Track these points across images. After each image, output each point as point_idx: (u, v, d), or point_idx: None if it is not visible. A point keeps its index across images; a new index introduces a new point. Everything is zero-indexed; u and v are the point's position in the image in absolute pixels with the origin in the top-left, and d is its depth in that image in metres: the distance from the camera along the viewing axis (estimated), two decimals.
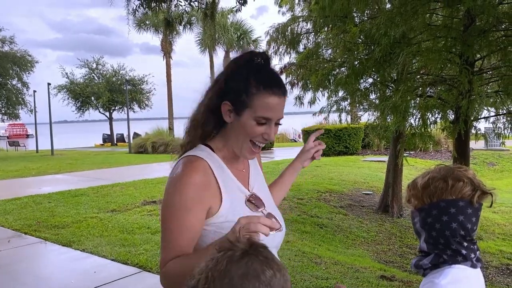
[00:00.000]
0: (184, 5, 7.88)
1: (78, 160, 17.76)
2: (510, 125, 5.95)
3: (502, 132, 6.14)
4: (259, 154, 1.56)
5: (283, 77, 8.58)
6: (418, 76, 6.23)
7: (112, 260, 4.80)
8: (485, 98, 5.45)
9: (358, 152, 16.95)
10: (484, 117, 6.36)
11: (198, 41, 30.25)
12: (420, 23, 5.23)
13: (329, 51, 8.11)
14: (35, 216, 6.95)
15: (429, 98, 5.72)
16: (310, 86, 8.00)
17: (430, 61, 5.03)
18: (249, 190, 1.38)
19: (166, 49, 29.68)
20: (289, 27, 8.43)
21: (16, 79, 27.80)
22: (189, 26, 29.17)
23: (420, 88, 6.03)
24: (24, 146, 34.28)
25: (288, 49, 8.56)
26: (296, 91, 8.72)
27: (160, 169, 12.80)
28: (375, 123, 7.27)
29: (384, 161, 10.65)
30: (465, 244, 1.22)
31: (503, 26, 5.33)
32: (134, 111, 35.03)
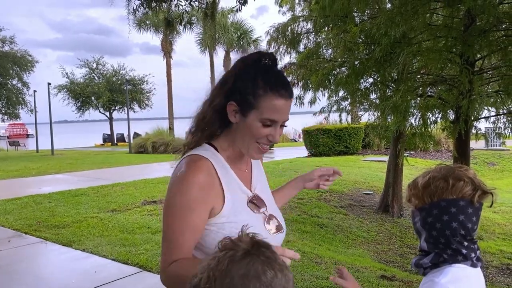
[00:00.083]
0: (185, 5, 7.89)
1: (78, 160, 17.76)
2: (510, 125, 5.94)
3: (503, 132, 6.13)
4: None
5: None
6: (419, 76, 6.22)
7: (112, 260, 4.80)
8: (486, 98, 5.45)
9: (359, 152, 16.95)
10: (484, 117, 6.35)
11: (198, 41, 30.28)
12: (420, 23, 5.23)
13: (330, 51, 8.11)
14: (36, 216, 6.95)
15: (430, 98, 5.71)
16: (310, 86, 8.00)
17: (431, 61, 5.02)
18: (251, 191, 1.38)
19: (166, 49, 29.69)
20: (290, 27, 8.43)
21: (16, 79, 27.80)
22: (189, 26, 29.20)
23: (421, 88, 6.03)
24: (24, 146, 34.31)
25: (289, 49, 8.56)
26: (297, 91, 8.71)
27: (161, 169, 12.80)
28: (375, 123, 7.27)
29: (385, 161, 10.65)
30: (466, 243, 1.22)
31: (503, 26, 5.32)
32: (134, 111, 35.11)
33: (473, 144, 6.97)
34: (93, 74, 34.53)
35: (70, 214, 6.99)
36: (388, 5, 6.74)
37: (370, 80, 7.06)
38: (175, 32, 29.79)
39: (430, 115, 5.85)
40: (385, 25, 5.14)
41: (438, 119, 6.10)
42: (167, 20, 26.86)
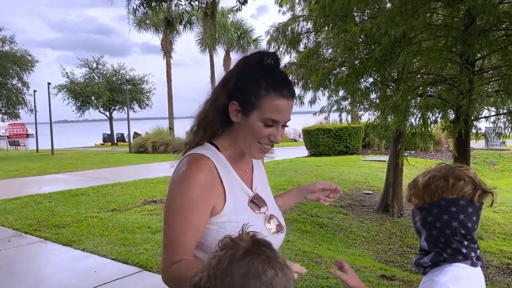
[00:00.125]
0: (185, 5, 7.88)
1: (78, 160, 17.76)
2: (510, 125, 5.94)
3: (503, 131, 6.13)
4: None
5: None
6: (419, 76, 6.22)
7: (112, 259, 4.80)
8: (486, 97, 5.45)
9: (359, 151, 16.95)
10: (484, 117, 6.35)
11: (198, 41, 30.28)
12: (420, 22, 5.22)
13: (330, 50, 8.11)
14: (36, 215, 6.95)
15: (430, 98, 5.71)
16: (310, 85, 8.00)
17: (431, 61, 5.02)
18: (252, 191, 1.37)
19: (166, 49, 29.69)
20: (290, 27, 8.43)
21: (16, 78, 27.78)
22: (189, 26, 29.20)
23: (421, 88, 6.03)
24: (24, 145, 34.30)
25: (289, 49, 8.55)
26: (297, 91, 8.70)
27: (161, 168, 12.80)
28: (375, 123, 7.27)
29: (385, 161, 10.64)
30: (466, 243, 1.22)
31: (503, 26, 5.32)
32: (134, 111, 35.13)
33: (473, 144, 6.97)
34: (93, 74, 34.55)
35: (70, 214, 6.99)
36: (388, 5, 6.74)
37: (370, 79, 7.06)
38: (175, 32, 29.79)
39: (430, 115, 5.85)
40: (385, 25, 5.14)
41: (438, 119, 6.10)
42: (167, 20, 26.85)
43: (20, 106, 28.21)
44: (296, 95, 8.54)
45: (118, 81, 34.07)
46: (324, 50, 8.15)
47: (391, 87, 6.62)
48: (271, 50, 8.71)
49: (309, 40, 8.48)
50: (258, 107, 1.24)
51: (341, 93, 7.68)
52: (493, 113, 6.23)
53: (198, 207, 1.21)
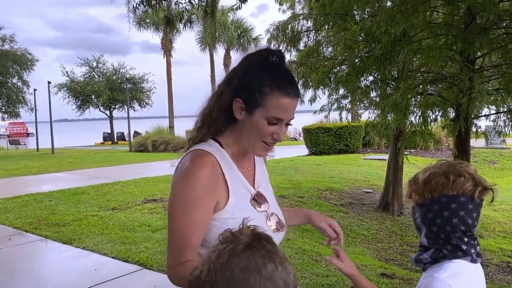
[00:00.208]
0: (185, 3, 7.88)
1: (78, 159, 17.77)
2: (510, 123, 5.94)
3: (503, 130, 6.13)
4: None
5: None
6: (419, 74, 6.21)
7: (112, 257, 4.81)
8: (486, 95, 5.45)
9: (359, 150, 16.94)
10: (484, 115, 6.35)
11: (199, 39, 30.26)
12: (420, 21, 5.22)
13: (330, 49, 8.11)
14: (36, 214, 6.95)
15: (430, 96, 5.71)
16: (310, 84, 8.00)
17: (431, 59, 5.02)
18: (254, 189, 1.38)
19: (167, 47, 29.66)
20: (290, 25, 8.42)
21: (17, 77, 27.75)
22: (189, 25, 29.18)
23: (421, 86, 6.03)
24: (25, 144, 34.27)
25: (289, 47, 8.55)
26: None
27: (161, 167, 12.80)
28: (375, 121, 7.27)
29: (385, 159, 10.65)
30: (466, 239, 1.22)
31: (504, 24, 5.32)
32: (134, 110, 35.12)
33: (473, 142, 6.98)
34: (93, 73, 34.53)
35: (70, 212, 6.99)
36: (388, 3, 6.74)
37: (370, 78, 7.06)
38: (175, 31, 29.75)
39: (430, 113, 5.85)
40: (385, 23, 5.14)
41: (438, 117, 6.10)
42: (167, 18, 26.85)
43: (20, 105, 28.18)
44: None
45: (118, 80, 34.06)
46: (324, 49, 8.15)
47: (391, 86, 6.62)
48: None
49: (309, 39, 8.47)
50: (262, 105, 1.24)
51: (341, 91, 7.69)
52: (493, 112, 6.24)
53: (202, 203, 1.21)
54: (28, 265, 4.82)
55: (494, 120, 6.34)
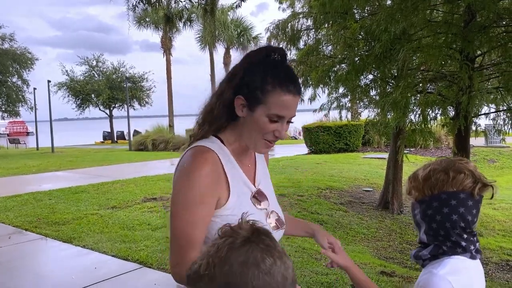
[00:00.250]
0: (184, 1, 7.87)
1: (78, 158, 17.77)
2: (510, 121, 5.94)
3: (503, 128, 6.13)
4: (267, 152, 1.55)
5: None
6: (419, 72, 6.22)
7: (112, 256, 4.81)
8: (485, 94, 5.44)
9: (359, 149, 16.94)
10: (484, 113, 6.35)
11: (198, 38, 30.24)
12: (420, 19, 5.21)
13: (330, 47, 8.10)
14: (36, 212, 6.96)
15: (429, 94, 5.71)
16: (310, 82, 7.99)
17: (431, 57, 5.02)
18: (255, 186, 1.38)
19: (166, 46, 29.63)
20: (289, 24, 8.41)
21: (16, 76, 27.75)
22: (189, 23, 29.16)
23: (421, 84, 6.02)
24: (25, 143, 34.26)
25: (289, 46, 8.53)
26: None
27: (161, 166, 12.81)
28: (375, 120, 7.27)
29: (385, 158, 10.65)
30: (465, 236, 1.22)
31: (503, 22, 5.32)
32: (134, 109, 35.12)
33: (473, 141, 6.97)
34: (93, 72, 34.51)
35: (70, 211, 6.99)
36: (388, 2, 6.73)
37: (370, 76, 7.05)
38: (175, 29, 29.73)
39: (430, 111, 5.85)
40: (385, 22, 5.13)
41: (438, 116, 6.10)
42: (166, 16, 26.84)
43: (20, 104, 28.19)
44: None
45: (118, 79, 34.05)
46: (324, 47, 8.14)
47: (391, 84, 6.62)
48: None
49: (309, 37, 8.46)
50: (264, 102, 1.24)
51: (341, 90, 7.68)
52: (493, 110, 6.24)
53: (204, 201, 1.21)
54: (28, 263, 4.82)
55: (493, 119, 6.34)
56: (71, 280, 4.23)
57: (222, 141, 1.33)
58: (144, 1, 7.21)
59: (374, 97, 7.32)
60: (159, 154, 18.10)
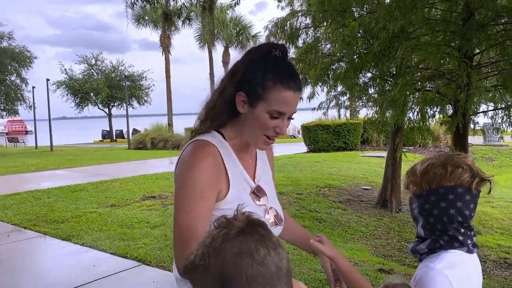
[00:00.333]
0: None
1: (77, 156, 17.76)
2: (508, 120, 5.95)
3: (501, 126, 6.14)
4: (271, 149, 1.55)
5: None
6: (417, 71, 6.22)
7: (111, 254, 4.82)
8: (484, 92, 5.45)
9: (357, 147, 16.96)
10: (482, 111, 6.36)
11: (197, 37, 30.23)
12: (418, 17, 5.22)
13: (328, 45, 8.09)
14: (35, 211, 6.96)
15: (428, 92, 5.71)
16: (309, 80, 7.99)
17: (429, 55, 5.03)
18: (254, 182, 1.38)
19: (165, 44, 29.58)
20: (288, 22, 8.40)
21: (15, 75, 27.73)
22: (188, 22, 29.15)
23: (419, 82, 6.03)
24: (23, 142, 34.20)
25: (287, 44, 8.53)
26: None
27: (159, 164, 12.81)
28: (373, 118, 7.27)
29: (383, 157, 10.66)
30: (462, 230, 1.23)
31: (502, 20, 5.32)
32: (133, 107, 35.07)
33: (471, 139, 6.98)
34: (92, 70, 34.47)
35: (69, 209, 6.99)
36: (387, 0, 6.74)
37: (369, 74, 7.06)
38: (174, 28, 29.70)
39: (428, 109, 5.86)
40: (383, 20, 5.13)
41: (437, 113, 6.11)
42: (165, 14, 26.80)
43: (18, 103, 28.18)
44: None
45: (117, 78, 34.02)
46: (323, 45, 8.13)
47: (389, 82, 6.62)
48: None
49: (308, 35, 8.46)
50: (265, 99, 1.25)
51: (339, 88, 7.68)
52: (491, 108, 6.24)
53: (205, 196, 1.22)
54: (27, 261, 4.82)
55: (492, 117, 6.34)
56: (70, 278, 4.24)
57: (223, 136, 1.34)
58: None
59: (372, 95, 7.33)
60: (158, 153, 18.10)
